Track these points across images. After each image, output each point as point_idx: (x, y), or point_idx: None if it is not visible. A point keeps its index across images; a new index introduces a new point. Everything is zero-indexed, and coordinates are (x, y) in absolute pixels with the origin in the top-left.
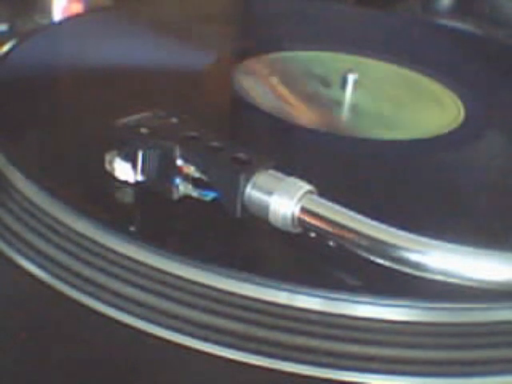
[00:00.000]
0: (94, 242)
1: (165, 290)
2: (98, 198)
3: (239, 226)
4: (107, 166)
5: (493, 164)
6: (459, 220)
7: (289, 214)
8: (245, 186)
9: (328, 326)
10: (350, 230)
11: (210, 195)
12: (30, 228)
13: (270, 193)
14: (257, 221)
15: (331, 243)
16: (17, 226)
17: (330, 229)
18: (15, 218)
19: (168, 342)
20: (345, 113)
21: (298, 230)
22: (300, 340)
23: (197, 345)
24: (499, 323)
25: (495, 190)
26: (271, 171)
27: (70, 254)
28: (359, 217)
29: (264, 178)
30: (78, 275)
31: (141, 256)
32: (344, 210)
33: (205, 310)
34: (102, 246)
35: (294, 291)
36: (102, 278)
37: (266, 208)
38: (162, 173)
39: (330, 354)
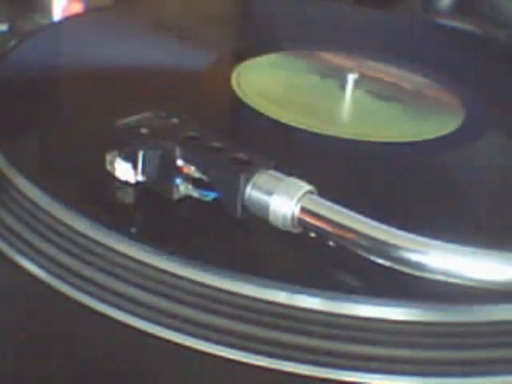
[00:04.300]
0: (94, 242)
1: (165, 290)
2: (98, 198)
3: (239, 226)
4: (108, 167)
5: (493, 164)
6: (459, 220)
7: (289, 213)
8: (245, 186)
9: (328, 325)
10: (350, 230)
11: (210, 195)
12: (30, 228)
13: (270, 193)
14: (257, 221)
15: (331, 243)
16: (17, 226)
17: (330, 229)
18: (15, 217)
19: (168, 341)
20: (345, 113)
21: (298, 229)
22: (300, 340)
23: (197, 345)
24: (499, 323)
25: (495, 190)
26: (271, 171)
27: (70, 254)
28: (359, 217)
29: (264, 178)
30: (78, 275)
31: (141, 256)
32: (344, 210)
33: (205, 310)
34: (102, 245)
35: (294, 291)
36: (101, 278)
37: (266, 208)
38: (162, 173)
39: (330, 353)
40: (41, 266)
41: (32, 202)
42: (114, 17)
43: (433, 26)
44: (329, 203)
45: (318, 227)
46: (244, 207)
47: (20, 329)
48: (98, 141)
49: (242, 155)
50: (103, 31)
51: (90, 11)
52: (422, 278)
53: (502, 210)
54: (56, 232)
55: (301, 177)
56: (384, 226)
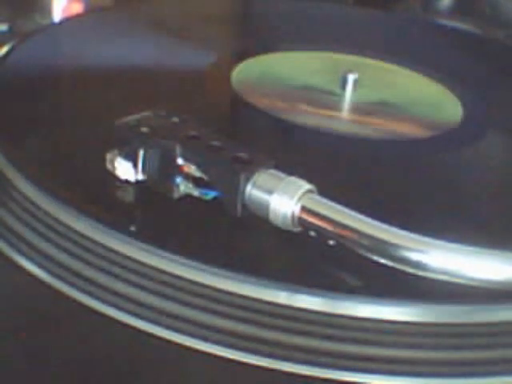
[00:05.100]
0: (94, 242)
1: (165, 290)
2: (98, 198)
3: (239, 225)
4: (108, 166)
5: (493, 164)
6: (460, 219)
7: (289, 213)
8: (245, 186)
9: (328, 326)
10: (351, 230)
11: (210, 194)
12: (30, 228)
13: (270, 192)
14: (257, 220)
15: (331, 242)
16: (17, 226)
17: (330, 228)
18: (15, 218)
19: (168, 341)
20: (345, 113)
21: (298, 229)
22: (300, 340)
23: (197, 345)
24: (499, 323)
25: (496, 190)
26: (271, 170)
27: (70, 253)
28: (360, 216)
29: (264, 177)
30: (78, 275)
31: (141, 256)
32: (344, 209)
33: (205, 310)
34: (102, 245)
35: (294, 291)
36: (101, 278)
37: (266, 207)
38: (162, 172)
39: (329, 354)
40: (41, 266)
41: (32, 202)
42: (114, 17)
43: (433, 25)
44: (329, 202)
45: (318, 226)
46: (244, 206)
47: (20, 329)
48: (98, 140)
49: (242, 154)
50: (103, 31)
51: (89, 11)
52: (422, 278)
53: (504, 210)
54: (56, 232)
55: (301, 175)
56: (385, 226)
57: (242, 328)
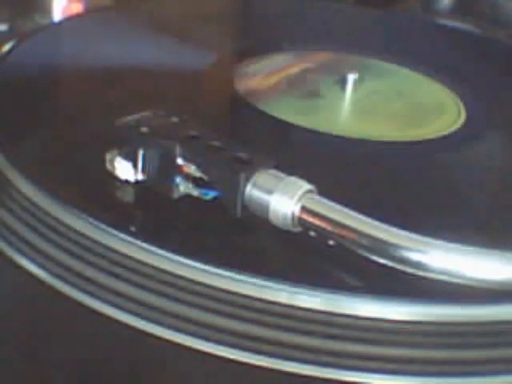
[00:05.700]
0: (94, 242)
1: (165, 290)
2: (98, 198)
3: (239, 225)
4: (108, 166)
5: (493, 164)
6: (460, 220)
7: (289, 213)
8: (245, 186)
9: (329, 325)
10: (351, 230)
11: (210, 194)
12: (30, 228)
13: (270, 192)
14: (257, 220)
15: (331, 242)
16: (17, 226)
17: (330, 228)
18: (15, 217)
19: (168, 341)
20: (345, 113)
21: (299, 229)
22: (300, 340)
23: (197, 345)
24: (499, 323)
25: (496, 190)
26: (271, 170)
27: (70, 253)
28: (360, 216)
29: (264, 177)
30: (78, 275)
31: (141, 256)
32: (344, 209)
33: (205, 310)
34: (102, 245)
35: (295, 291)
36: (102, 278)
37: (266, 207)
38: (162, 172)
39: (330, 353)
40: (41, 266)
41: (32, 202)
42: (114, 17)
43: (433, 25)
44: (329, 202)
45: (318, 226)
46: (244, 206)
47: (20, 329)
48: (98, 140)
49: (242, 154)
50: (103, 31)
51: (89, 11)
52: (423, 278)
53: (503, 210)
54: (56, 232)
55: (301, 176)
56: (385, 226)
57: (242, 328)
